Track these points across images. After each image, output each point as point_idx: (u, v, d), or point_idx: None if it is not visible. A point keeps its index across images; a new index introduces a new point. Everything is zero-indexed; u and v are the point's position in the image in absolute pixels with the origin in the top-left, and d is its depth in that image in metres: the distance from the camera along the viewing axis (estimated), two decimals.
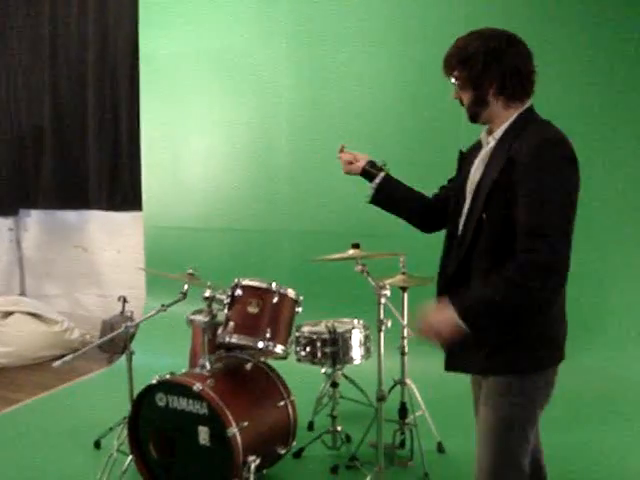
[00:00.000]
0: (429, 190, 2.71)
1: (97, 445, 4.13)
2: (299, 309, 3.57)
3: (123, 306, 6.32)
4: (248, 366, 3.58)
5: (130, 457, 3.51)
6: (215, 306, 3.54)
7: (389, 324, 3.35)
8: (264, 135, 5.71)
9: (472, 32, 2.21)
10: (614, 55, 4.53)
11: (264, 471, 3.52)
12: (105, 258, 7.05)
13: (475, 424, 2.37)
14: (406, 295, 3.80)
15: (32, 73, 6.94)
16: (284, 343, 3.42)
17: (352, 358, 3.79)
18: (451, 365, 2.32)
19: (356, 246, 3.36)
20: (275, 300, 3.38)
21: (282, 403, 3.56)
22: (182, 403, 3.26)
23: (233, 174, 5.88)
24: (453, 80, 2.24)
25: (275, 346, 3.35)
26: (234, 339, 3.34)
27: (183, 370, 3.63)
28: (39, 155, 6.98)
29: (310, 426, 4.30)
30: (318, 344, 3.75)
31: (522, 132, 2.12)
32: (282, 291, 3.41)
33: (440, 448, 3.94)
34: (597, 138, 4.58)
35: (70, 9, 6.65)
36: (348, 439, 4.09)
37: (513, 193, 2.05)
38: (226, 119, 5.86)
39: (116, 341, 5.62)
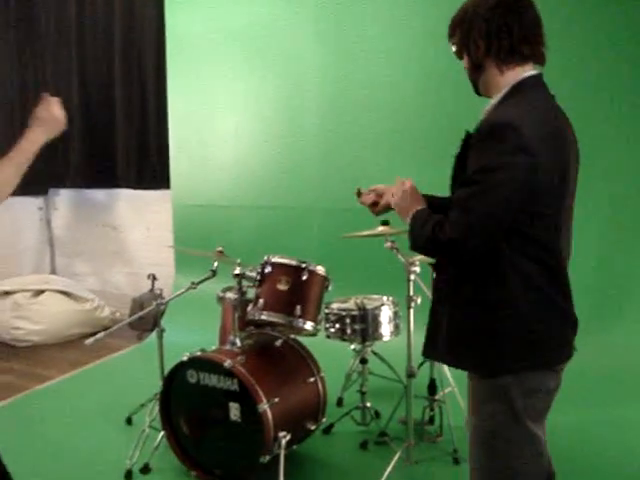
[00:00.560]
0: None
1: (129, 421, 4.18)
2: (329, 286, 3.56)
3: (152, 284, 6.37)
4: (278, 343, 3.59)
5: (162, 433, 3.55)
6: (245, 283, 3.55)
7: (419, 301, 3.36)
8: (292, 112, 5.69)
9: None
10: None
11: (294, 447, 3.54)
12: (134, 236, 7.11)
13: None
14: None
15: (60, 53, 6.97)
16: (314, 320, 3.41)
17: (381, 335, 3.78)
18: (425, 352, 2.20)
19: (385, 223, 3.34)
20: (305, 277, 3.37)
21: (312, 379, 3.57)
22: (213, 380, 3.28)
23: (261, 151, 5.87)
24: (453, 47, 2.14)
25: (305, 323, 3.35)
26: (264, 316, 3.34)
27: (213, 347, 3.65)
28: (68, 135, 7.00)
29: (339, 402, 4.32)
30: (347, 321, 3.75)
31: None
32: (312, 268, 3.40)
33: None
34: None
35: None
36: (377, 415, 4.10)
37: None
38: (253, 96, 5.84)
39: (146, 318, 5.65)
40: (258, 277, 3.45)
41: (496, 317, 1.96)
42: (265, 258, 3.47)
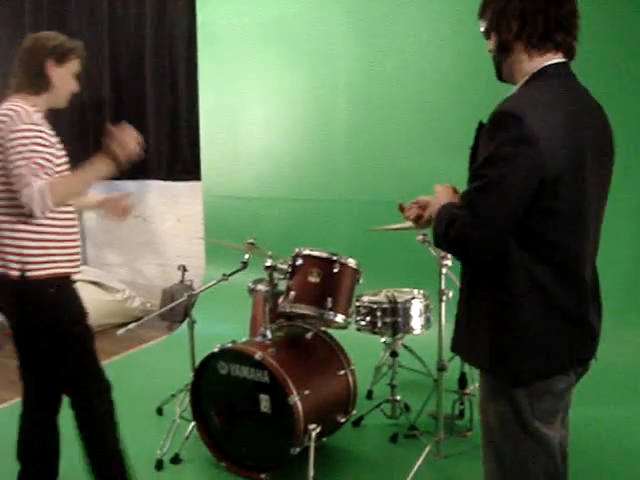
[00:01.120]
0: None
1: (159, 412, 4.22)
2: (360, 279, 3.55)
3: (183, 275, 6.41)
4: (309, 335, 3.59)
5: (192, 424, 3.58)
6: (276, 275, 3.56)
7: (450, 294, 3.34)
8: (322, 104, 5.68)
9: None
10: None
11: (324, 439, 3.55)
12: (165, 228, 7.14)
13: None
14: None
15: (92, 46, 7.01)
16: (345, 312, 3.41)
17: (412, 328, 3.76)
18: (451, 347, 2.12)
19: None
20: (336, 270, 3.37)
21: (342, 372, 3.57)
22: (244, 371, 3.30)
23: (291, 143, 5.88)
24: (482, 26, 2.01)
25: (336, 315, 3.35)
26: (295, 308, 3.35)
27: (243, 339, 3.67)
28: (99, 126, 7.07)
29: (369, 395, 4.32)
30: (378, 314, 3.73)
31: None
32: (343, 261, 3.40)
33: None
34: None
35: None
36: (407, 408, 4.09)
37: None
38: (284, 88, 5.84)
39: (176, 309, 5.69)
40: (289, 269, 3.46)
41: (499, 316, 1.89)
42: (296, 250, 3.47)
